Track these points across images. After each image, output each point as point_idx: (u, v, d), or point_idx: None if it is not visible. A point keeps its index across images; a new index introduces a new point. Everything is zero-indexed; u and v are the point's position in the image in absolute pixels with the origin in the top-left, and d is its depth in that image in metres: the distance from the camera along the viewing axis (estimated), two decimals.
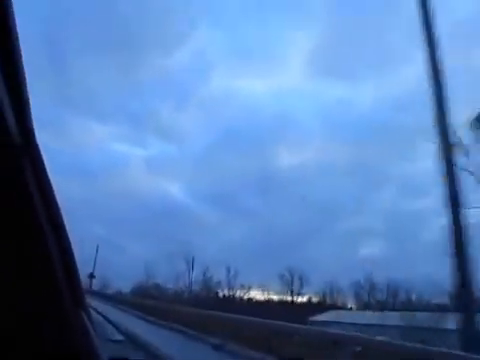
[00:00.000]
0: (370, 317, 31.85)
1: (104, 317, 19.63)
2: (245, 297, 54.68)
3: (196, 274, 52.85)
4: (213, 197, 67.31)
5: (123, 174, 69.24)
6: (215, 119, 76.12)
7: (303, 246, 58.33)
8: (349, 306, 51.41)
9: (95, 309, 19.81)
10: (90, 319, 1.13)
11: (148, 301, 31.81)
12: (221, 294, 55.42)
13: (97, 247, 53.15)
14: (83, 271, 44.06)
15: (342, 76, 67.06)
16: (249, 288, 54.57)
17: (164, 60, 74.18)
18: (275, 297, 54.08)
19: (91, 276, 51.90)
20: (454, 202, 14.89)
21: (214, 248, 59.59)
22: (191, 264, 52.32)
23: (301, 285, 53.26)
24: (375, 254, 57.36)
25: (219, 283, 54.85)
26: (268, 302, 51.97)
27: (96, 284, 54.23)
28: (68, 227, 1.06)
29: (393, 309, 38.87)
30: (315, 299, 53.92)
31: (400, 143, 57.94)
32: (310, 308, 45.21)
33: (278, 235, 57.57)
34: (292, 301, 52.99)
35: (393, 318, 26.36)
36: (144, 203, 66.09)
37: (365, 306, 47.79)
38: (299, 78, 77.34)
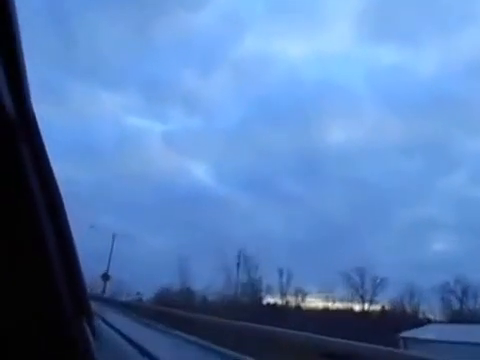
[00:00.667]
0: None
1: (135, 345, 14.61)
2: (299, 305, 54.53)
3: (230, 276, 52.95)
4: (247, 181, 67.28)
5: (139, 154, 70.36)
6: (248, 88, 75.50)
7: (360, 241, 57.41)
8: (430, 316, 50.00)
9: (116, 328, 17.98)
10: (93, 330, 1.17)
11: (186, 313, 27.41)
12: (265, 301, 55.47)
13: (112, 239, 52.38)
14: (94, 271, 44.08)
15: (399, 38, 66.24)
16: (304, 294, 54.45)
17: (187, 16, 72.76)
18: (337, 305, 53.56)
19: (105, 277, 49.47)
20: None
21: (250, 243, 59.32)
22: (238, 262, 52.05)
23: (374, 290, 52.52)
24: (452, 251, 56.11)
25: (269, 288, 54.68)
26: (329, 311, 51.50)
27: (110, 288, 53.20)
28: (72, 219, 1.10)
29: None
30: (388, 307, 52.93)
31: (471, 116, 55.88)
32: (388, 319, 44.40)
33: (327, 227, 57.66)
34: (364, 310, 52.23)
35: None
36: (165, 189, 66.53)
37: (454, 315, 46.52)
38: (348, 40, 77.24)
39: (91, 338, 1.13)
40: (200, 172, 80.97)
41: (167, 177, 69.76)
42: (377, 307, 52.88)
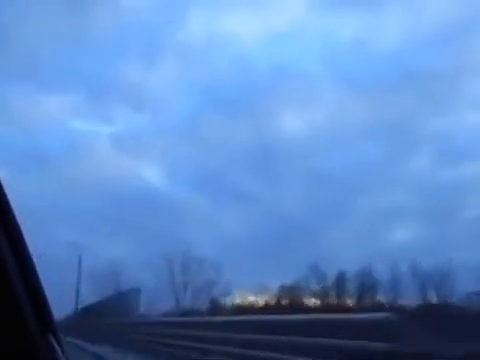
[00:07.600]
0: None
1: None
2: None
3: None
4: (201, 179, 62.69)
5: (84, 158, 65.10)
6: (196, 78, 71.30)
7: (324, 236, 54.72)
8: None
9: None
10: (60, 344, 1.16)
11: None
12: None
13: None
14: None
15: (357, 7, 62.48)
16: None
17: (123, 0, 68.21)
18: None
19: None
20: None
21: (208, 247, 55.38)
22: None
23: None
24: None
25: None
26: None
27: None
28: (27, 233, 1.06)
29: None
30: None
31: (438, 92, 54.00)
32: None
33: (288, 223, 53.94)
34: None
35: None
36: (114, 193, 60.76)
37: None
38: (300, 13, 70.13)
39: (59, 352, 1.12)
40: (149, 174, 76.80)
41: (114, 182, 64.61)
42: None
